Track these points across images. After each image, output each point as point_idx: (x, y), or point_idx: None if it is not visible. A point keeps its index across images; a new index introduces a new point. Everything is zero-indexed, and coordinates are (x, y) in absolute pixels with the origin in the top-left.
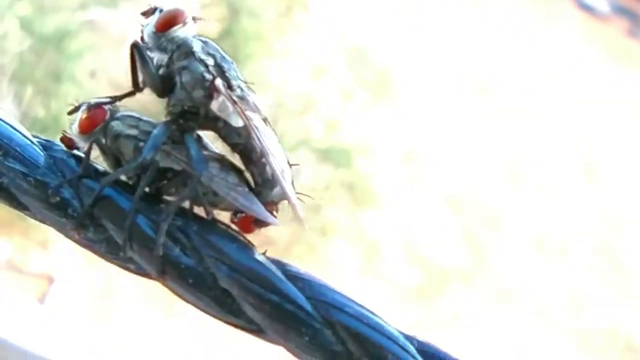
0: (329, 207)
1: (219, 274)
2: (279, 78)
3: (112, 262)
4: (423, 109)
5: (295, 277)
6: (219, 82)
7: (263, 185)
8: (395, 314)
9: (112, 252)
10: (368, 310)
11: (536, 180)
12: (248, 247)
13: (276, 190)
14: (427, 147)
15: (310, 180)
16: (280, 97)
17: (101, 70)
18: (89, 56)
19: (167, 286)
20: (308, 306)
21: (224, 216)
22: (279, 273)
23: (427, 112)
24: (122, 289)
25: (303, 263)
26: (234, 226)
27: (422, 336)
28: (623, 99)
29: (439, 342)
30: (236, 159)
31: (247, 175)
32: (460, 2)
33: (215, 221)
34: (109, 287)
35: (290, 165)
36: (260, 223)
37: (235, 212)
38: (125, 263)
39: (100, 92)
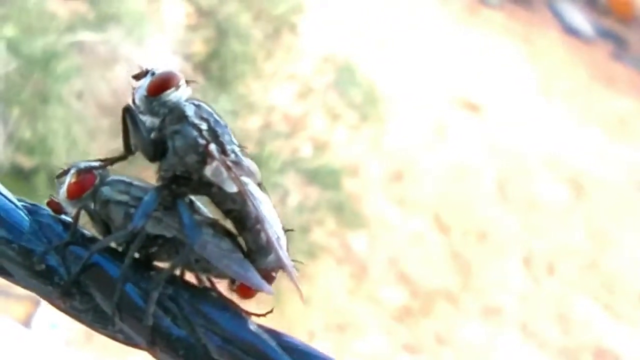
0: (317, 229)
1: (211, 345)
2: (267, 99)
3: (99, 332)
4: (411, 129)
5: (291, 349)
6: (212, 147)
7: (257, 253)
8: (384, 334)
9: (99, 321)
10: None
11: (524, 198)
12: (242, 317)
13: (271, 257)
14: (415, 166)
15: (298, 201)
16: (269, 119)
17: (88, 91)
18: (76, 78)
19: (157, 357)
20: None
21: (222, 284)
22: (274, 344)
23: (415, 132)
24: None
25: (290, 285)
26: (226, 294)
27: None
28: (606, 120)
29: None
30: (228, 224)
31: (241, 241)
32: (448, 25)
33: (207, 289)
34: None
35: (285, 232)
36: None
37: (233, 280)
38: (113, 333)
39: (87, 113)
